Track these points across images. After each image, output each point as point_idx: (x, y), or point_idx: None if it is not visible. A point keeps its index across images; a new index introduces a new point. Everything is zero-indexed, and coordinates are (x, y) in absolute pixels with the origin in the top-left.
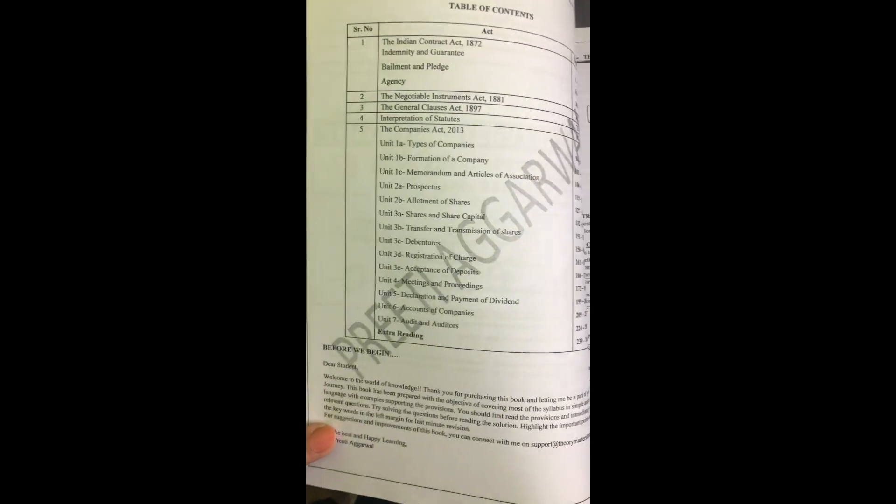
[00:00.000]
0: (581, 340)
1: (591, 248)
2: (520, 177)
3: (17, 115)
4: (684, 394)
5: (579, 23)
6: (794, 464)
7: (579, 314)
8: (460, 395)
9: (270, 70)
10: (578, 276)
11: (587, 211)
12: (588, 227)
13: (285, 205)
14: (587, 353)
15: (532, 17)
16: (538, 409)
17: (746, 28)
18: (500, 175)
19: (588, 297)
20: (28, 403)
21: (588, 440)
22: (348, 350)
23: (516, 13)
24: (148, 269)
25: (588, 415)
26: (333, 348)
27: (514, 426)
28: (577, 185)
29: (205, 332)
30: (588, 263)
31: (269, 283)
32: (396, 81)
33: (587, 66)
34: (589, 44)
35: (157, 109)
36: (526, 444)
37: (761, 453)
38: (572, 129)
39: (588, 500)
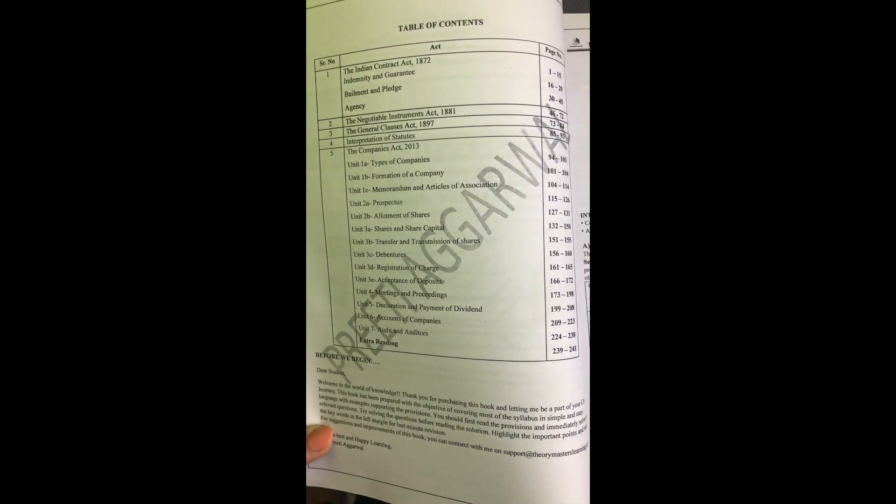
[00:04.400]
0: (560, 350)
1: (592, 246)
2: (476, 185)
3: (10, 115)
4: (688, 401)
5: (569, 8)
6: (792, 468)
7: (557, 322)
8: (434, 399)
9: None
10: (557, 281)
11: (583, 210)
12: (572, 228)
13: (286, 223)
14: (570, 363)
15: (482, 23)
16: (508, 418)
17: (751, 20)
18: (456, 185)
19: (571, 305)
20: (24, 406)
21: (570, 456)
22: (336, 357)
23: (464, 23)
24: (169, 277)
25: (572, 430)
26: (324, 356)
27: (485, 432)
28: (553, 185)
29: (210, 340)
30: (571, 268)
31: (272, 295)
32: (358, 106)
33: (580, 54)
34: (580, 30)
35: (160, 123)
36: (499, 451)
37: (764, 458)
38: (541, 126)
39: None
